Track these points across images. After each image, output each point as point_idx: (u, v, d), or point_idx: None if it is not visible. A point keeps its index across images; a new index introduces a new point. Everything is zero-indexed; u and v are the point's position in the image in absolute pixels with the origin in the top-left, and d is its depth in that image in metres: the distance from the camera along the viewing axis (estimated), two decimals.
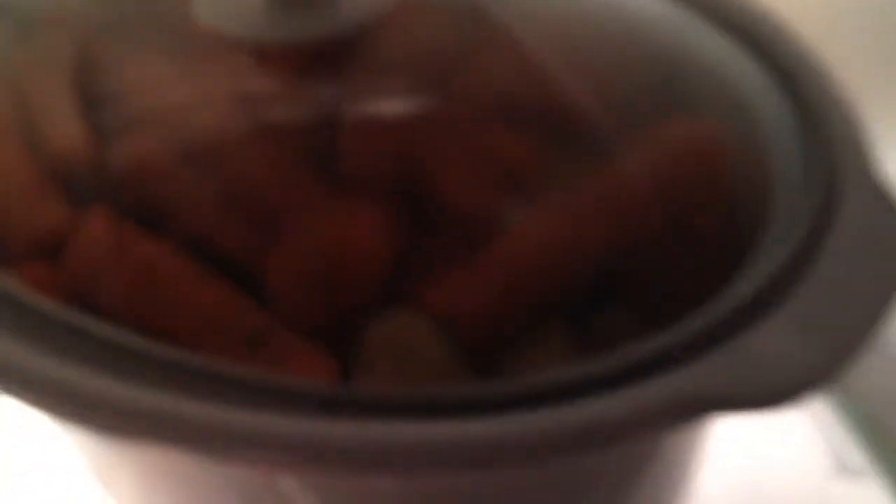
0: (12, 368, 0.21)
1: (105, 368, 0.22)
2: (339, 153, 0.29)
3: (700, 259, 0.28)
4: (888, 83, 0.57)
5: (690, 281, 0.28)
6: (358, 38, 0.30)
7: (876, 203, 0.27)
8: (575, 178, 0.28)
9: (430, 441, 0.20)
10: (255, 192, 0.28)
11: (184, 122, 0.30)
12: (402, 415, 0.21)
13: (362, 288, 0.26)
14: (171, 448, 0.21)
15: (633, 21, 0.34)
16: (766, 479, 0.44)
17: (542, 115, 0.30)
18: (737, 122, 0.30)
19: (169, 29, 0.32)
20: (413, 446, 0.20)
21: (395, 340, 0.24)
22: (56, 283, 0.25)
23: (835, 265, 0.25)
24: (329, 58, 0.30)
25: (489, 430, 0.20)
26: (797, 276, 0.25)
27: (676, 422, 0.21)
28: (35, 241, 0.27)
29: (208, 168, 0.28)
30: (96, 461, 0.30)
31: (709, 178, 0.28)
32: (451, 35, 0.33)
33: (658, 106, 0.32)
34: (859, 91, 0.34)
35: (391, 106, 0.30)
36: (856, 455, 0.45)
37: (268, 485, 0.24)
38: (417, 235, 0.27)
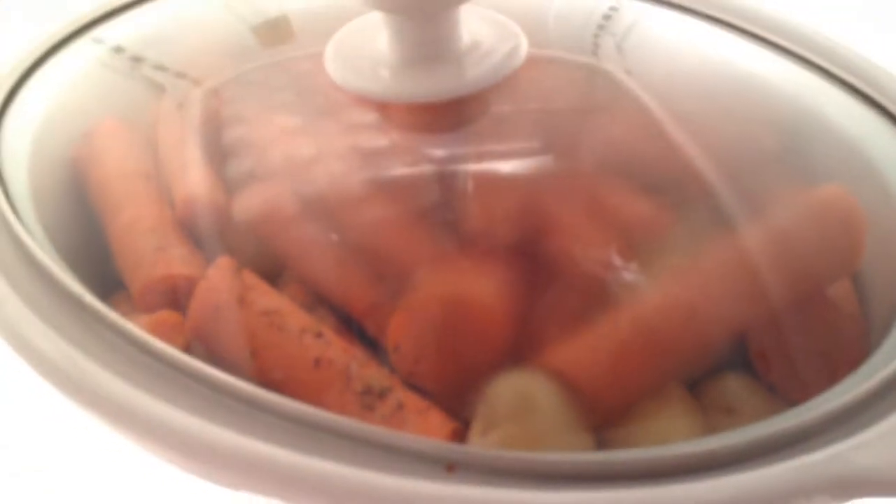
0: (138, 416, 0.21)
1: (221, 417, 0.22)
2: (463, 209, 0.29)
3: (831, 329, 0.27)
4: None
5: (821, 352, 0.27)
6: (483, 95, 0.30)
7: None
8: (700, 241, 0.28)
9: None
10: (377, 246, 0.28)
11: (309, 175, 0.30)
12: (524, 481, 0.20)
13: (484, 346, 0.25)
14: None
15: (758, 83, 0.33)
16: None
17: (665, 177, 0.30)
18: (869, 188, 0.29)
19: (296, 84, 0.33)
20: None
21: (517, 399, 0.23)
22: (179, 330, 0.26)
23: None
24: (455, 115, 0.30)
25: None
26: None
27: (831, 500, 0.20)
28: (161, 289, 0.28)
29: (331, 221, 0.29)
30: None
31: (843, 245, 0.27)
32: (576, 94, 0.33)
33: (786, 172, 0.31)
34: None
35: (514, 163, 0.30)
36: None
37: None
38: (538, 293, 0.27)
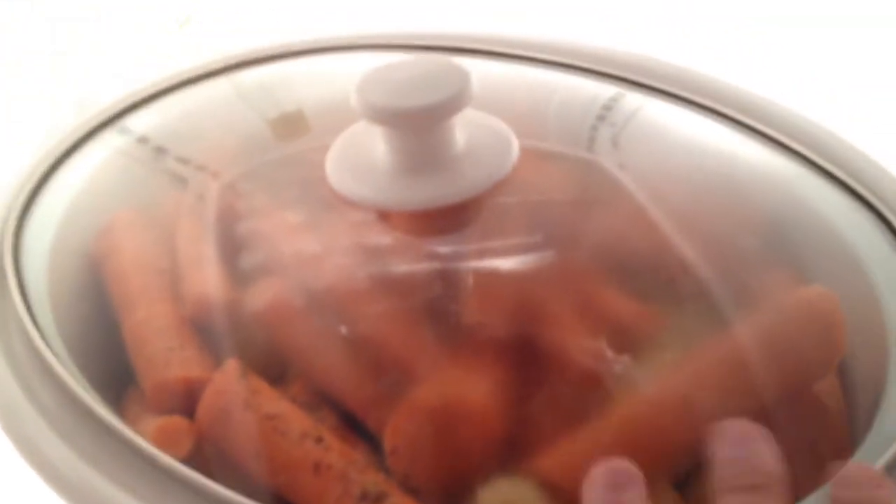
0: None
1: None
2: (460, 305, 0.30)
3: (817, 425, 0.28)
4: None
5: (808, 447, 0.27)
6: (478, 199, 0.31)
7: None
8: (691, 338, 0.28)
9: None
10: (376, 344, 0.29)
11: (312, 272, 0.31)
12: None
13: (478, 450, 0.26)
14: None
15: (751, 176, 0.34)
16: None
17: (655, 274, 0.31)
18: (853, 283, 0.30)
19: (308, 178, 0.34)
20: None
21: None
22: (187, 434, 0.27)
23: None
24: (450, 219, 0.31)
25: None
26: None
27: None
28: (171, 390, 0.29)
29: (332, 318, 0.30)
30: None
31: (824, 345, 0.28)
32: (569, 191, 0.34)
33: (775, 265, 0.32)
34: None
35: (509, 260, 0.31)
36: None
37: None
38: (532, 393, 0.28)
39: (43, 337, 0.28)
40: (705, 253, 0.30)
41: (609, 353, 0.28)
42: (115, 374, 0.30)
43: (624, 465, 0.23)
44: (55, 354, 0.28)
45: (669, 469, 0.26)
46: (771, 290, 0.30)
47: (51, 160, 0.34)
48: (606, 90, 0.37)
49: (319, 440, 0.26)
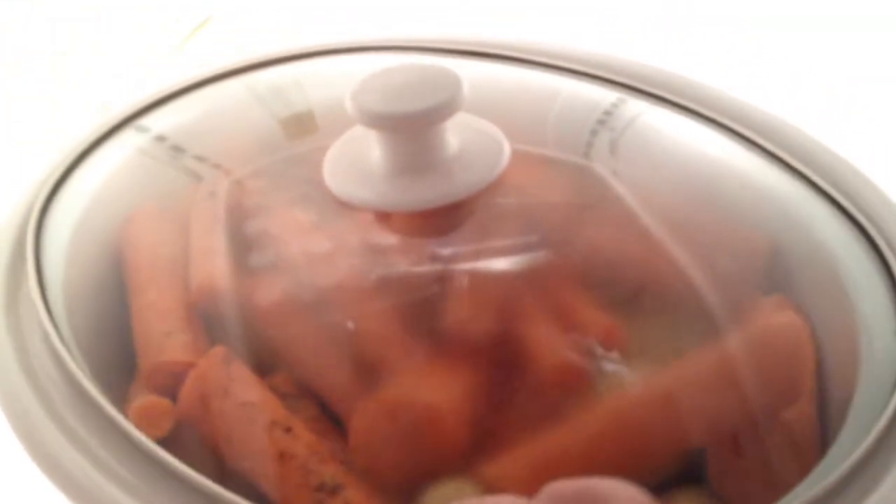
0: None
1: None
2: (442, 309, 0.31)
3: (783, 452, 0.28)
4: None
5: (775, 467, 0.27)
6: (470, 201, 0.32)
7: None
8: (655, 352, 0.29)
9: None
10: (357, 342, 0.30)
11: (306, 270, 0.32)
12: None
13: (437, 452, 0.27)
14: None
15: (739, 190, 0.34)
16: None
17: (638, 283, 0.31)
18: (836, 308, 0.29)
19: (309, 182, 0.35)
20: None
21: None
22: (167, 415, 0.29)
23: None
24: (443, 220, 0.32)
25: None
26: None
27: None
28: (164, 373, 0.30)
29: (319, 314, 0.31)
30: None
31: (788, 373, 0.28)
32: (561, 196, 0.34)
33: (754, 283, 0.31)
34: None
35: (493, 264, 0.32)
36: None
37: None
38: (503, 400, 0.28)
39: (53, 322, 0.29)
40: (686, 266, 0.30)
41: (577, 363, 0.29)
42: (124, 366, 0.31)
43: None
44: (62, 338, 0.29)
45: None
46: (746, 312, 0.30)
47: (72, 157, 0.36)
48: (609, 96, 0.37)
49: (288, 430, 0.28)
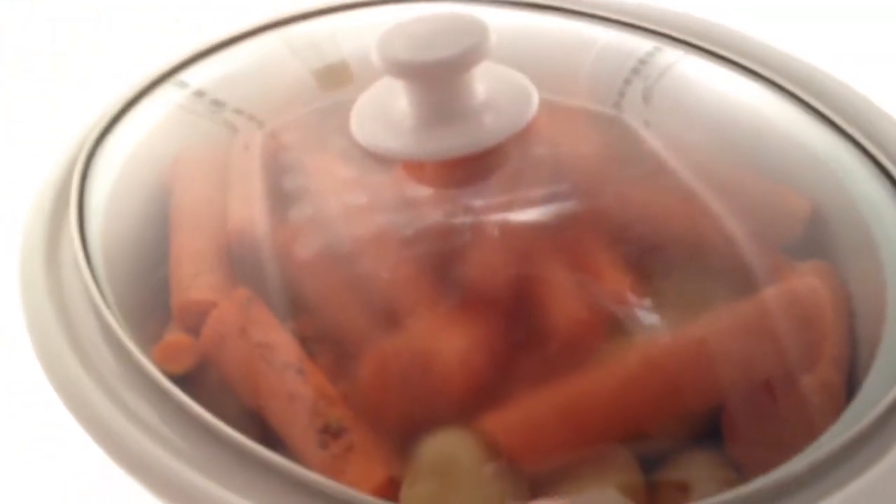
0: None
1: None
2: (463, 260, 0.31)
3: (797, 417, 0.27)
4: None
5: (791, 433, 0.26)
6: (497, 151, 0.32)
7: None
8: (685, 310, 0.28)
9: None
10: (379, 291, 0.31)
11: (340, 221, 0.33)
12: None
13: (441, 402, 0.27)
14: None
15: (775, 142, 0.32)
16: None
17: (665, 236, 0.30)
18: (869, 267, 0.28)
19: (341, 134, 0.35)
20: None
21: (441, 458, 0.25)
22: (188, 352, 0.30)
23: None
24: (472, 168, 0.32)
25: None
26: None
27: None
28: (192, 312, 0.31)
29: (343, 262, 0.31)
30: None
31: (805, 339, 0.27)
32: (589, 148, 0.33)
33: (797, 245, 0.30)
34: None
35: (520, 216, 0.31)
36: None
37: None
38: (513, 354, 0.28)
39: (92, 271, 0.30)
40: (718, 223, 0.30)
41: (591, 318, 0.28)
42: (164, 317, 0.32)
43: None
44: (99, 288, 0.30)
45: (627, 438, 0.26)
46: (775, 275, 0.29)
47: (112, 113, 0.36)
48: (644, 44, 0.36)
49: (300, 372, 0.28)
